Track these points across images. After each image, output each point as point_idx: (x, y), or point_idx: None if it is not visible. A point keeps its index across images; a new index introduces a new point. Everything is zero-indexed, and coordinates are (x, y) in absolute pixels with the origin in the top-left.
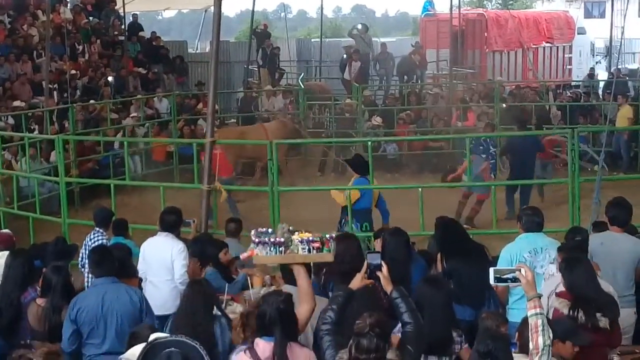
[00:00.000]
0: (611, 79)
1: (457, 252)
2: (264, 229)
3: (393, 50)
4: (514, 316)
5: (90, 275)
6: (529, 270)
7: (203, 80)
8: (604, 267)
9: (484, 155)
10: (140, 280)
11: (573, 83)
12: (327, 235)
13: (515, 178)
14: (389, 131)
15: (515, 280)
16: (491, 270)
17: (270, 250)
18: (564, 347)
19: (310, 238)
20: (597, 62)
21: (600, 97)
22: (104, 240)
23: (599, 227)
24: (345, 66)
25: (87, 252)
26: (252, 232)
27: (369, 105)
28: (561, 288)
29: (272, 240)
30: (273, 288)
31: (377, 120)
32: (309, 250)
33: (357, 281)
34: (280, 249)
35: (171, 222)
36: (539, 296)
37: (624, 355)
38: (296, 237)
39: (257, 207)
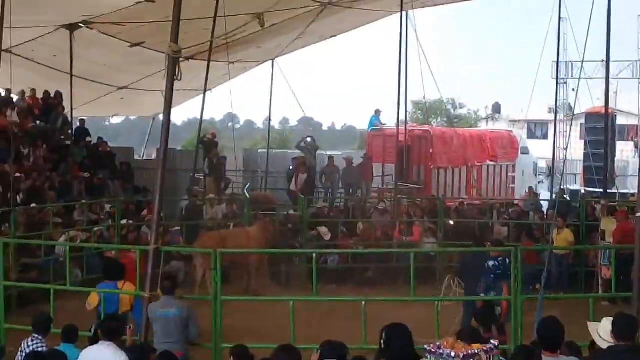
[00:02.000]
0: (555, 200)
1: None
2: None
3: (339, 163)
4: None
5: None
6: None
7: (149, 186)
8: None
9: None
10: None
11: (516, 202)
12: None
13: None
14: (331, 243)
15: None
16: None
17: None
18: None
19: (491, 346)
20: (539, 182)
21: (545, 216)
22: (43, 348)
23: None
24: (292, 177)
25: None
26: (428, 346)
27: (314, 217)
28: None
29: (469, 352)
30: None
31: (323, 231)
32: (490, 358)
33: None
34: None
35: (113, 330)
36: None
37: None
38: (478, 346)
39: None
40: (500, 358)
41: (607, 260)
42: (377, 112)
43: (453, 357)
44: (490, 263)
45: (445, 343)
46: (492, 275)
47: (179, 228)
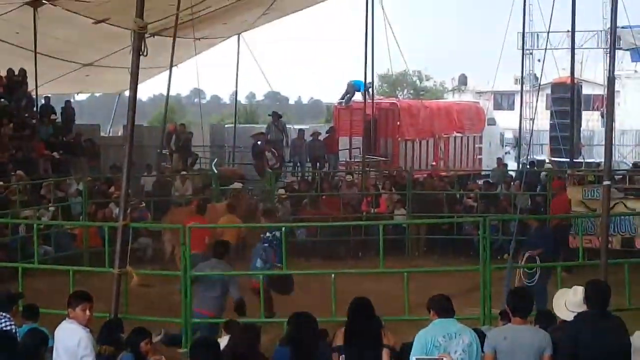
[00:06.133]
0: (522, 170)
1: (359, 333)
2: None
3: (307, 137)
4: None
5: None
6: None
7: (116, 163)
8: None
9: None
10: None
11: (483, 173)
12: None
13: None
14: (298, 217)
15: None
16: (413, 358)
17: None
18: None
19: None
20: (506, 153)
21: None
22: (12, 326)
23: (507, 316)
24: (257, 154)
25: None
26: None
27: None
28: None
29: None
30: None
31: (281, 192)
32: None
33: None
34: None
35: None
36: None
37: None
38: None
39: (168, 291)
40: None
41: (573, 229)
42: (369, 85)
43: None
44: (267, 235)
45: None
46: (268, 245)
47: (144, 204)
